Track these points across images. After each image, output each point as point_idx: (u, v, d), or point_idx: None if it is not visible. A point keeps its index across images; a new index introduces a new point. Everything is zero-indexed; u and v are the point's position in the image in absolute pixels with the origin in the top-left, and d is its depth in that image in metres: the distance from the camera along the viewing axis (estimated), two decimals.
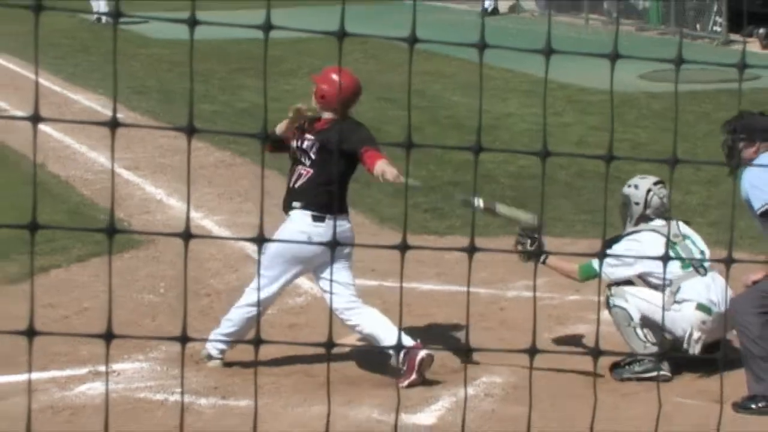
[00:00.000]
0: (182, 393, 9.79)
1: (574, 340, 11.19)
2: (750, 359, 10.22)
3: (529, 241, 10.67)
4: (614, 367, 10.80)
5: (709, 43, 29.87)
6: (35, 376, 9.41)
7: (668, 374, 10.79)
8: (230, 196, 11.83)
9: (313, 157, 10.62)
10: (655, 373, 10.77)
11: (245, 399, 9.90)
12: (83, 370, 10.20)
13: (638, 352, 10.78)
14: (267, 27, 2.84)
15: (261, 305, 10.56)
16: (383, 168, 10.16)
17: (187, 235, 2.95)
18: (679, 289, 10.71)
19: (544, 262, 10.52)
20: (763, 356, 10.15)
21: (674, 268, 10.81)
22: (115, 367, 10.27)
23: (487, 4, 36.73)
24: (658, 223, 10.79)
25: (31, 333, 3.05)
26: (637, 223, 10.88)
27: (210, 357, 10.53)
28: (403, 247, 3.20)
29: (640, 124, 18.39)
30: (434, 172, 14.93)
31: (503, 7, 37.08)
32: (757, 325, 10.20)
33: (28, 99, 19.58)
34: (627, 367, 10.84)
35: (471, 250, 3.15)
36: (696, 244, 10.98)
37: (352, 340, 10.61)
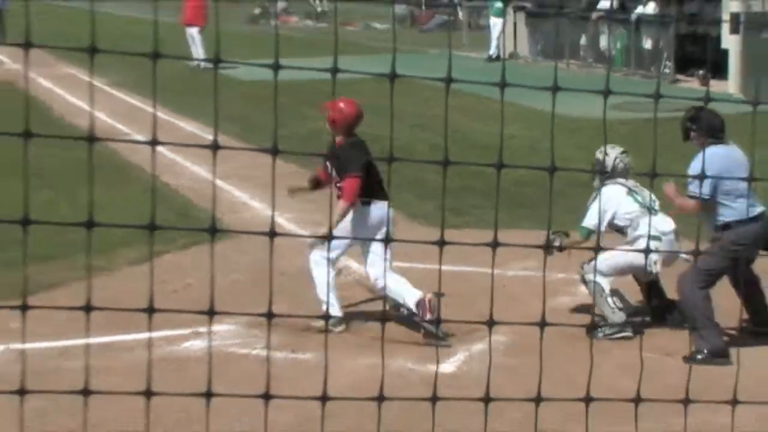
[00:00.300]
0: (267, 347, 9.82)
1: (562, 309, 11.22)
2: (692, 322, 10.25)
3: (558, 240, 10.85)
4: (589, 329, 10.78)
5: (661, 82, 29.85)
6: (152, 335, 9.44)
7: (631, 334, 10.82)
8: (298, 198, 11.87)
9: (334, 169, 10.99)
10: (621, 334, 10.85)
11: (310, 353, 10.01)
12: (187, 331, 10.27)
13: (608, 316, 10.86)
14: (334, 70, 2.91)
15: (331, 264, 10.83)
16: (337, 209, 10.74)
17: (272, 234, 3.03)
18: (638, 225, 10.83)
19: (563, 249, 10.59)
20: (702, 320, 10.18)
21: (634, 208, 10.93)
22: (212, 328, 10.36)
23: (491, 51, 36.90)
24: (620, 180, 11.04)
25: (150, 310, 3.12)
26: (603, 182, 11.02)
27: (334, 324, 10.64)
28: (441, 243, 3.28)
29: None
30: (452, 179, 14.93)
31: (504, 53, 37.16)
32: (699, 296, 10.21)
33: (146, 126, 19.69)
34: (600, 329, 10.89)
35: (494, 245, 3.21)
36: (645, 191, 11.05)
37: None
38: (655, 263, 10.82)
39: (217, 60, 3.09)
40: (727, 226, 10.21)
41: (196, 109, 22.11)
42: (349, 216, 10.85)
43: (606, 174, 11.06)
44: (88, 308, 3.08)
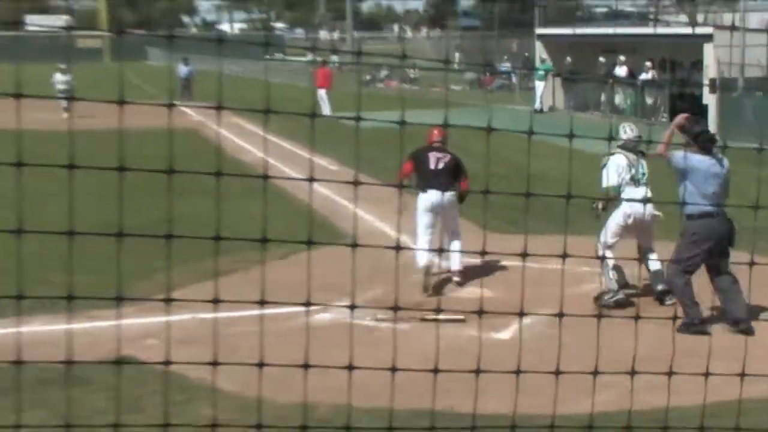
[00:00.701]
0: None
1: (587, 294, 11.14)
2: (680, 300, 10.11)
3: (600, 205, 11.08)
4: (595, 299, 10.92)
5: (659, 128, 29.83)
6: (293, 309, 9.48)
7: (623, 297, 10.91)
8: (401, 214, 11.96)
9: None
10: (615, 297, 10.92)
11: (403, 324, 9.98)
12: (317, 306, 10.29)
13: (608, 284, 10.98)
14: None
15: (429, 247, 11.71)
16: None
17: (397, 248, 3.09)
18: (624, 190, 10.98)
19: (604, 208, 11.08)
20: (684, 300, 10.02)
21: (626, 178, 11.08)
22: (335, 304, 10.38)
23: (536, 105, 36.74)
24: (625, 152, 11.11)
25: (307, 305, 3.16)
26: (616, 148, 11.15)
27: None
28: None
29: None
30: (507, 199, 14.92)
31: (545, 107, 37.02)
32: (679, 281, 10.08)
33: (301, 168, 19.81)
34: (603, 297, 10.93)
35: (565, 256, 3.18)
36: (643, 166, 11.19)
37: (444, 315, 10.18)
38: (629, 217, 10.93)
39: (340, 117, 3.11)
40: (689, 217, 10.04)
41: (326, 148, 22.20)
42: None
43: (619, 144, 11.20)
44: (260, 301, 3.13)
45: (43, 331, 9.23)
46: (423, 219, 11.72)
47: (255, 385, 3.48)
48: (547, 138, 3.34)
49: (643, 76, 33.73)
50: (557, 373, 3.23)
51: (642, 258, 11.04)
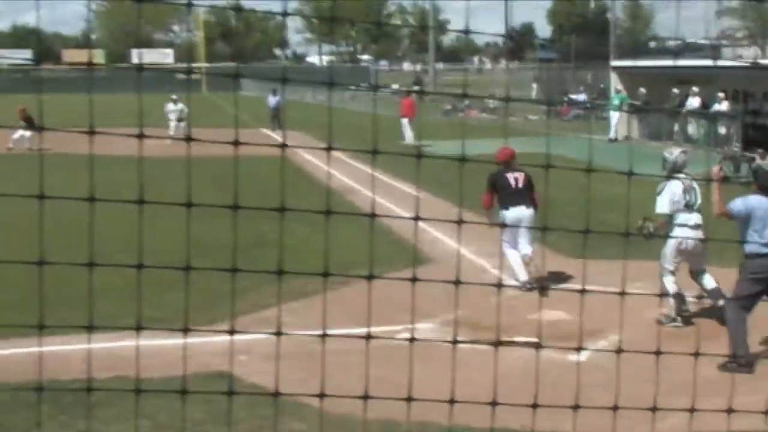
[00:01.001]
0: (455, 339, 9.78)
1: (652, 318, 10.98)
2: (731, 336, 9.68)
3: (650, 225, 10.71)
4: (658, 322, 10.79)
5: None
6: (380, 329, 9.51)
7: (680, 324, 10.77)
8: (474, 239, 11.95)
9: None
10: (672, 324, 10.82)
11: (481, 344, 9.94)
12: (398, 327, 10.31)
13: (670, 312, 10.91)
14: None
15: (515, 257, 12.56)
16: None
17: (495, 286, 3.08)
18: (679, 217, 10.75)
19: (653, 235, 10.62)
20: (735, 336, 9.56)
21: (681, 204, 10.78)
22: (417, 326, 10.39)
23: (611, 135, 36.43)
24: (681, 176, 10.74)
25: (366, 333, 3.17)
26: (670, 173, 10.83)
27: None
28: (615, 293, 3.27)
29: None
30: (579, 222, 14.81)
31: (620, 136, 36.66)
32: (734, 317, 9.65)
33: (384, 191, 19.91)
34: (663, 322, 10.84)
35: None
36: (696, 192, 10.88)
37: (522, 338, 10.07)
38: (682, 243, 10.68)
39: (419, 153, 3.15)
40: (747, 256, 9.67)
41: (406, 174, 22.27)
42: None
43: (671, 169, 10.91)
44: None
45: (144, 346, 9.40)
46: (510, 235, 12.54)
47: (342, 401, 3.52)
48: (618, 165, 3.34)
49: (716, 107, 33.23)
50: (615, 408, 3.21)
51: (695, 280, 11.02)
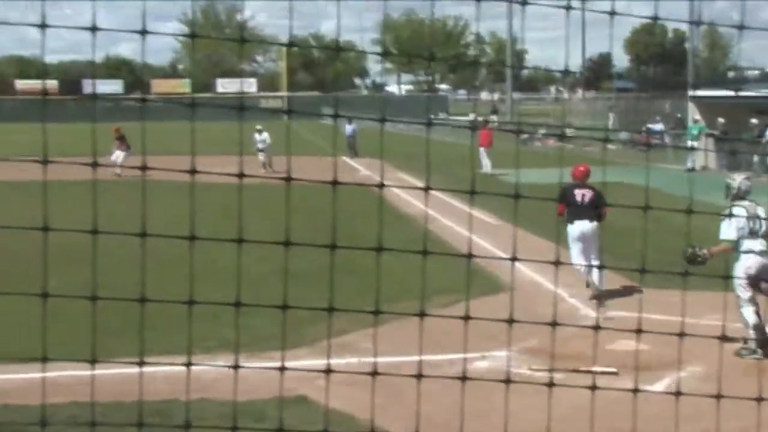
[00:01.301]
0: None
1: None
2: None
3: (700, 254, 10.47)
4: (736, 354, 10.59)
5: None
6: (454, 356, 9.42)
7: (760, 357, 10.48)
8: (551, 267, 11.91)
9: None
10: (752, 356, 10.51)
11: (557, 374, 9.79)
12: (476, 354, 10.24)
13: (750, 345, 10.60)
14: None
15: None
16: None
17: (592, 328, 3.05)
18: (744, 243, 10.49)
19: (705, 260, 10.39)
20: None
21: (746, 231, 10.57)
22: (493, 353, 10.30)
23: (689, 164, 35.91)
24: (745, 203, 10.63)
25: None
26: (733, 200, 10.72)
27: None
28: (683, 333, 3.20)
29: None
30: (654, 252, 14.63)
31: (697, 166, 36.11)
32: None
33: (458, 218, 19.83)
34: (741, 352, 10.60)
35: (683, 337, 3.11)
36: (760, 217, 10.64)
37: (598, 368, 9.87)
38: (750, 268, 10.44)
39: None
40: None
41: (484, 203, 22.14)
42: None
43: (734, 195, 10.80)
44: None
45: (222, 369, 9.47)
46: (574, 247, 13.26)
47: (416, 428, 3.50)
48: (696, 195, 3.27)
49: None
50: None
51: None
